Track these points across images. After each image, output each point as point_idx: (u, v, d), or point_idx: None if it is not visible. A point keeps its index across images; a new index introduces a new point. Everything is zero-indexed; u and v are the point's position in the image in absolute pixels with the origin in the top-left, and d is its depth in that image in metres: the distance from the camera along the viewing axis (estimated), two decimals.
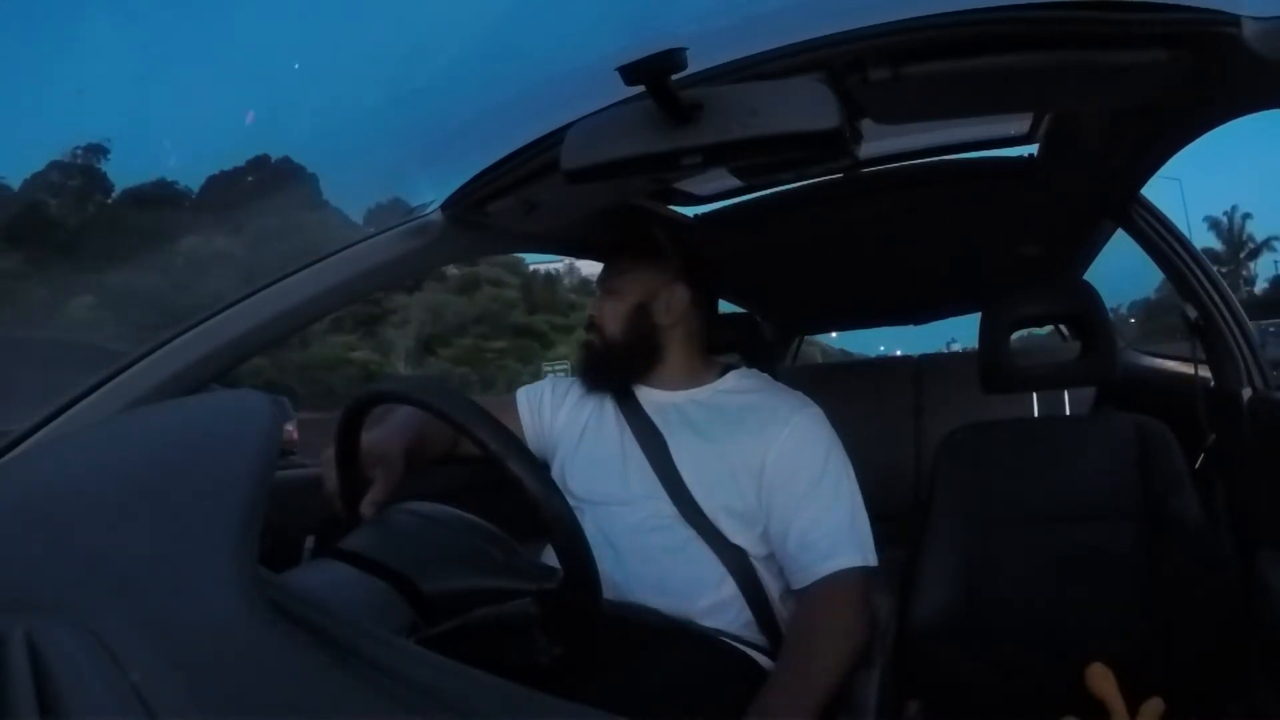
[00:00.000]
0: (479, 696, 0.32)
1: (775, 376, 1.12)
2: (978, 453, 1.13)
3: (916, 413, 2.24)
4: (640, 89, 0.65)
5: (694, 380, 1.03)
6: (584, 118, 0.76)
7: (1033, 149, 1.26)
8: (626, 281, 1.02)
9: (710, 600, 0.91)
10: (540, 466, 0.61)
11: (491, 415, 0.59)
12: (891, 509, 1.35)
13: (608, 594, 0.72)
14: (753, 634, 0.92)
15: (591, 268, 1.16)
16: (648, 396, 1.02)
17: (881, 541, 0.92)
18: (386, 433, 0.89)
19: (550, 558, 0.62)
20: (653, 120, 0.69)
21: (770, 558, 0.94)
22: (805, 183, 1.34)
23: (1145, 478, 1.07)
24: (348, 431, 0.71)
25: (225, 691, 0.26)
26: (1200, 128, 0.92)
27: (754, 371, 1.08)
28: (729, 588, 0.92)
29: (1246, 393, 1.10)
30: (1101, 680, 0.96)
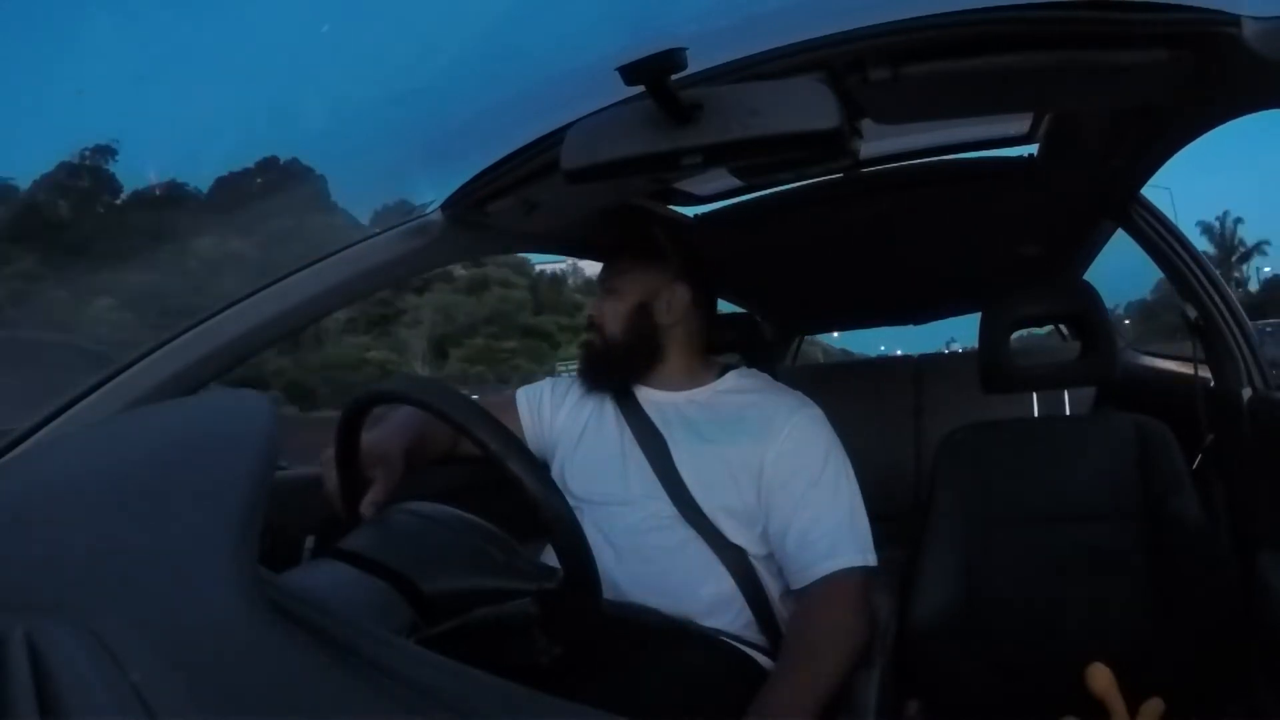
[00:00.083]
0: (479, 696, 0.32)
1: (775, 376, 1.12)
2: (978, 453, 1.13)
3: (916, 413, 2.24)
4: (640, 89, 0.65)
5: (694, 380, 1.03)
6: (584, 118, 0.76)
7: (1033, 149, 1.26)
8: (627, 281, 1.02)
9: (710, 600, 0.91)
10: (540, 466, 0.61)
11: (491, 415, 0.59)
12: (891, 509, 1.35)
13: (608, 594, 0.72)
14: (752, 634, 0.92)
15: (594, 268, 1.16)
16: (647, 396, 1.02)
17: (881, 541, 0.92)
18: (386, 433, 0.89)
19: (550, 558, 0.62)
20: (653, 120, 0.69)
21: (770, 557, 0.94)
22: (805, 183, 1.34)
23: (1145, 478, 1.07)
24: (348, 431, 0.71)
25: (225, 691, 0.26)
26: (1200, 128, 0.92)
27: (754, 371, 1.08)
28: (729, 587, 0.92)
29: (1246, 393, 1.10)
30: (1101, 680, 0.96)
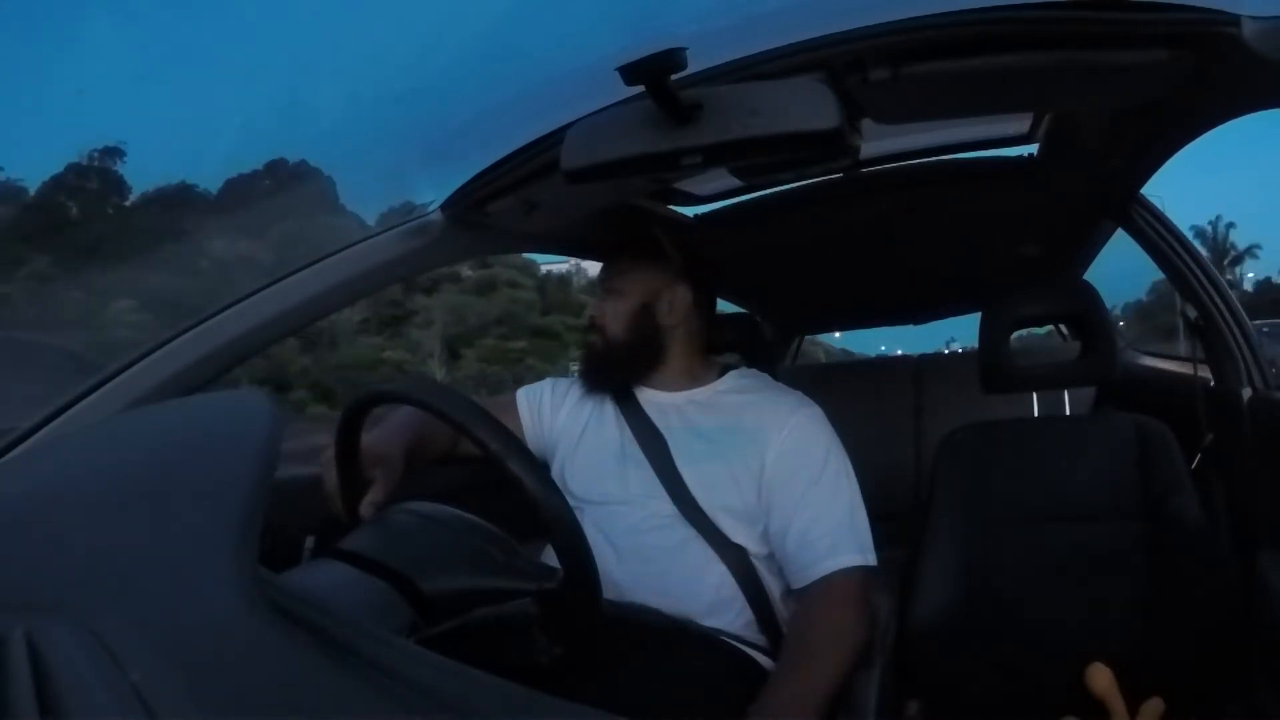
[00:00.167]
0: (479, 696, 0.32)
1: (775, 376, 1.12)
2: (978, 453, 1.13)
3: (916, 413, 2.25)
4: (640, 89, 0.65)
5: (694, 381, 1.03)
6: (584, 118, 0.76)
7: (1033, 149, 1.26)
8: (628, 281, 1.02)
9: (710, 600, 0.91)
10: (540, 466, 0.61)
11: (491, 415, 0.60)
12: (891, 509, 1.35)
13: (608, 594, 0.72)
14: (753, 634, 0.92)
15: (597, 268, 1.16)
16: (647, 397, 1.02)
17: (881, 541, 0.92)
18: (386, 433, 0.89)
19: (550, 558, 0.62)
20: (653, 120, 0.69)
21: (770, 557, 0.94)
22: (805, 183, 1.34)
23: (1145, 478, 1.07)
24: (348, 431, 0.71)
25: (225, 691, 0.26)
26: (1200, 128, 0.92)
27: (753, 371, 1.08)
28: (729, 587, 0.92)
29: (1246, 393, 1.10)
30: (1101, 680, 0.96)
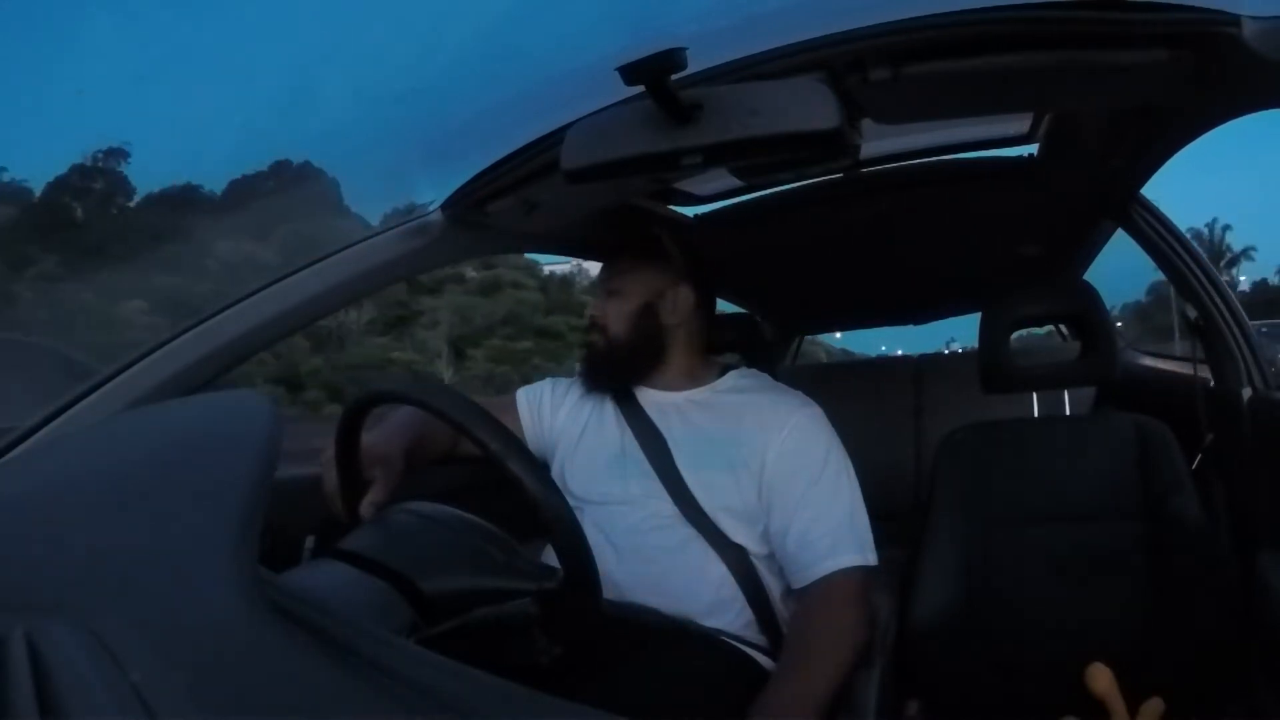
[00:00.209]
0: (479, 696, 0.32)
1: (775, 376, 1.12)
2: (978, 453, 1.13)
3: (916, 413, 2.25)
4: (640, 89, 0.65)
5: (694, 380, 1.03)
6: (584, 118, 0.76)
7: (1033, 149, 1.26)
8: (630, 281, 1.02)
9: (710, 600, 0.91)
10: (540, 466, 0.61)
11: (491, 415, 0.60)
12: (891, 509, 1.35)
13: (608, 594, 0.72)
14: (753, 634, 0.92)
15: (598, 269, 1.16)
16: (648, 397, 1.02)
17: (881, 541, 0.92)
18: (386, 433, 0.89)
19: (550, 558, 0.62)
20: (653, 120, 0.69)
21: (770, 557, 0.94)
22: (805, 183, 1.34)
23: (1145, 478, 1.07)
24: (348, 432, 0.71)
25: (225, 691, 0.26)
26: (1200, 128, 0.92)
27: (753, 371, 1.08)
28: (729, 587, 0.92)
29: (1246, 393, 1.10)
30: (1102, 680, 0.96)
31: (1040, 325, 1.79)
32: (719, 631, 0.90)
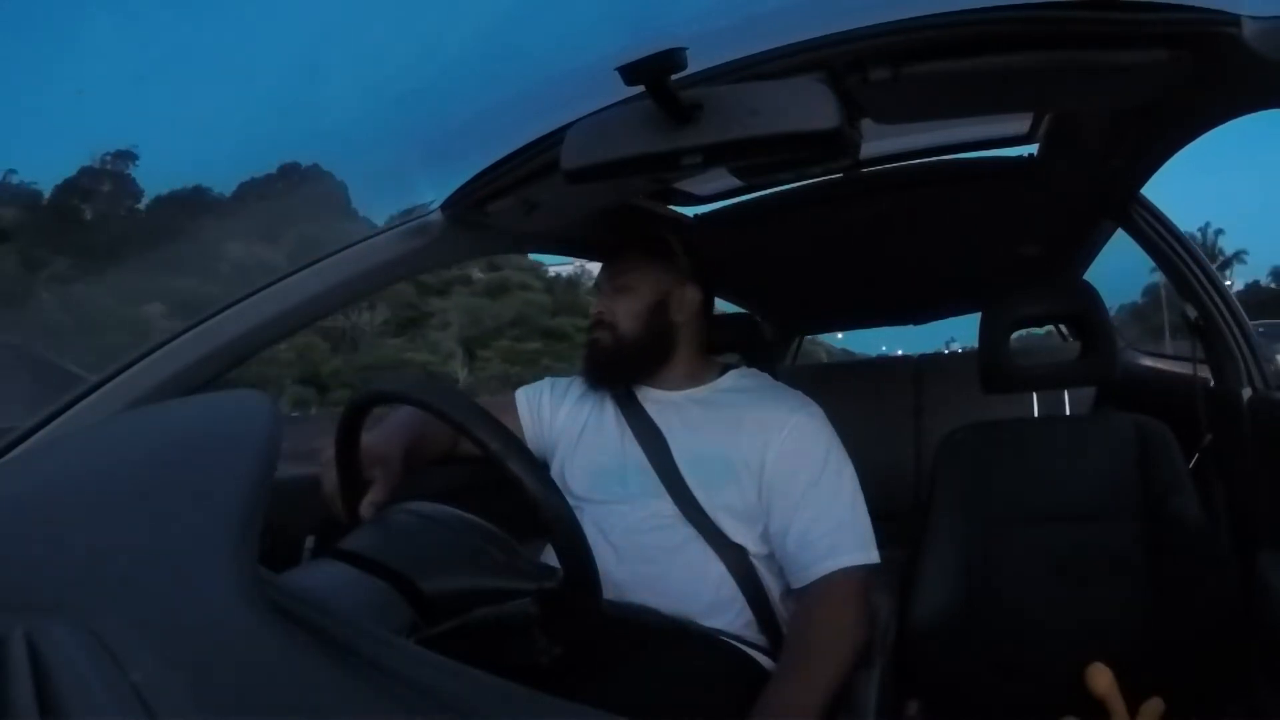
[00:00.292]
0: (479, 696, 0.32)
1: (775, 376, 1.12)
2: (978, 453, 1.13)
3: (916, 413, 2.25)
4: (640, 89, 0.65)
5: (694, 380, 1.03)
6: (584, 118, 0.76)
7: (1033, 149, 1.26)
8: (639, 279, 1.01)
9: (710, 599, 0.91)
10: (540, 466, 0.61)
11: (491, 415, 0.59)
12: (891, 509, 1.35)
13: (608, 594, 0.72)
14: (753, 634, 0.92)
15: (599, 269, 1.16)
16: (648, 396, 1.02)
17: (881, 541, 0.92)
18: (386, 433, 0.89)
19: (550, 558, 0.62)
20: (653, 120, 0.69)
21: (770, 557, 0.94)
22: (805, 183, 1.34)
23: (1145, 478, 1.07)
24: (347, 432, 0.71)
25: (225, 691, 0.26)
26: (1200, 128, 0.92)
27: (753, 371, 1.08)
28: (729, 587, 0.92)
29: (1246, 393, 1.10)
30: (1102, 680, 0.96)
31: (1040, 325, 1.79)
32: (719, 631, 0.90)
